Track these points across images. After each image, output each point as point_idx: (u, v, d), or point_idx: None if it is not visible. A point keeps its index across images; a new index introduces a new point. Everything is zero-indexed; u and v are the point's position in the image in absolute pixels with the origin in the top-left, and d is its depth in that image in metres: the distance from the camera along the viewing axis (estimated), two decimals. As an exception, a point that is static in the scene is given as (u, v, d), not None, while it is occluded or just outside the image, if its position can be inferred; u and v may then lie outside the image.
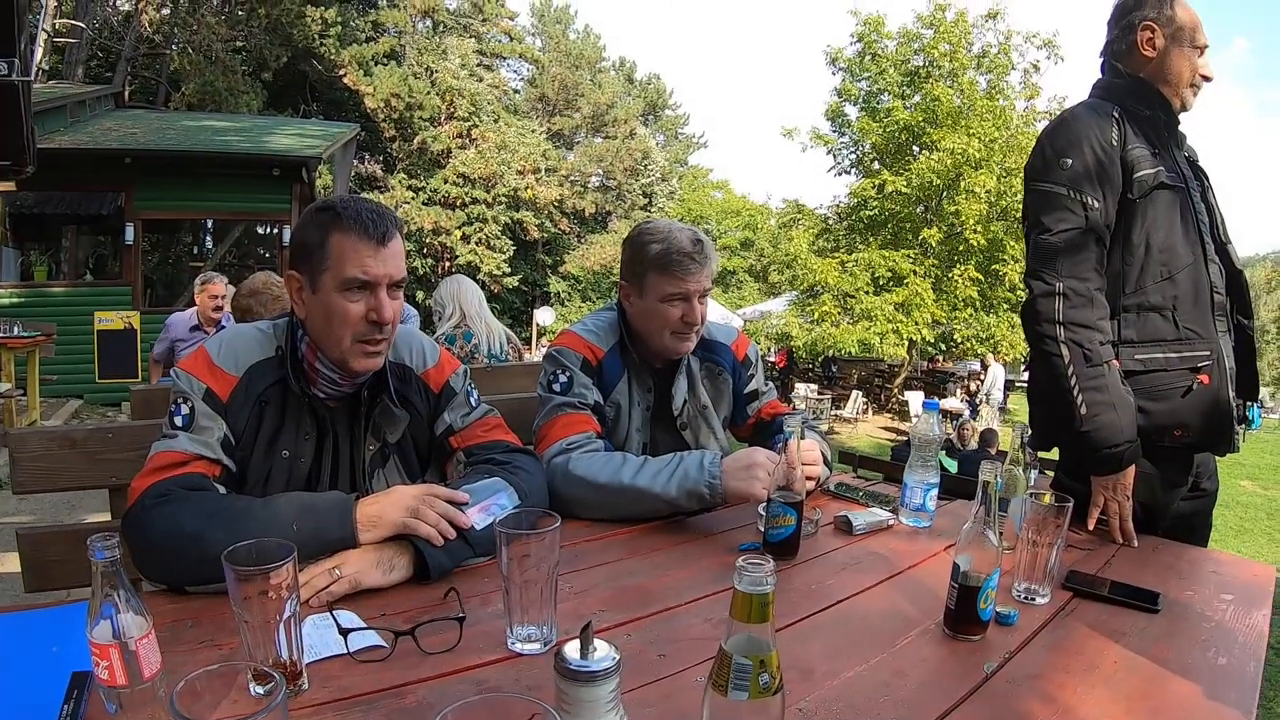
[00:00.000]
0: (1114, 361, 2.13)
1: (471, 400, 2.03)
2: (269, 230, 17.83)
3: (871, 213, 21.79)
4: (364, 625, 1.32)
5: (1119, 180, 2.18)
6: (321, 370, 1.78)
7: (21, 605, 1.46)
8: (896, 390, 23.15)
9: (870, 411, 22.23)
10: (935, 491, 2.11)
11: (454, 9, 38.63)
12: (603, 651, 0.93)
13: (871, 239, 22.04)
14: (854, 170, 23.26)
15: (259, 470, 1.75)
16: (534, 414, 2.31)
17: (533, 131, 37.36)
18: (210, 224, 17.82)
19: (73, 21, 22.69)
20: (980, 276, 20.29)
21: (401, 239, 1.78)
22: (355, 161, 28.81)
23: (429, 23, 37.89)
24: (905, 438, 15.89)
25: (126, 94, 22.58)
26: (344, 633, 1.26)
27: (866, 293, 20.57)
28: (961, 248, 20.39)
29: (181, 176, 13.90)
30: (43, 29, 19.64)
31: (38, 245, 15.81)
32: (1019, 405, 22.30)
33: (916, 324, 20.07)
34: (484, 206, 34.62)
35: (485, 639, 1.34)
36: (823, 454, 2.27)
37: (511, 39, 40.84)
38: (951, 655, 1.38)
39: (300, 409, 1.79)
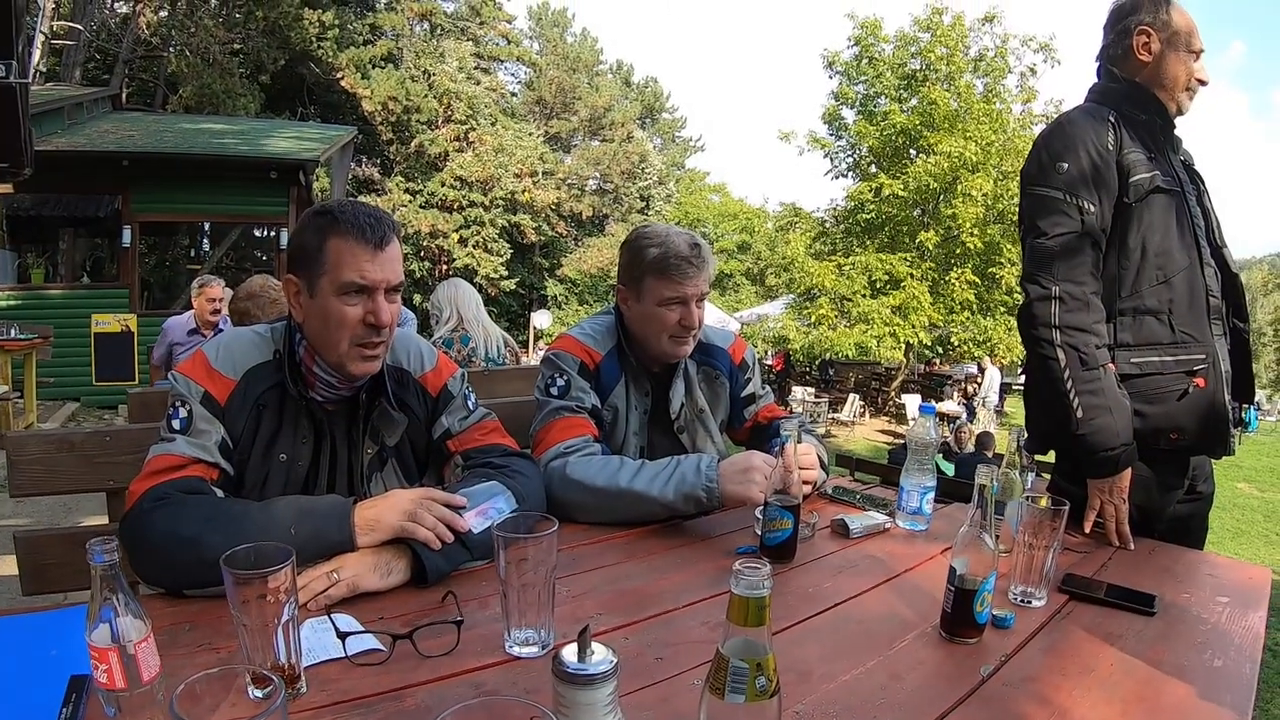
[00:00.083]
0: (1110, 365, 2.14)
1: (469, 404, 2.03)
2: (266, 233, 17.86)
3: (868, 216, 21.82)
4: (362, 629, 1.32)
5: (1115, 184, 2.18)
6: (319, 374, 1.78)
7: (19, 609, 1.46)
8: (893, 393, 23.15)
9: (867, 415, 22.24)
10: (932, 495, 2.11)
11: (451, 12, 38.66)
12: (600, 655, 0.93)
13: (868, 242, 22.07)
14: (851, 173, 23.31)
15: (257, 474, 1.75)
16: (531, 417, 2.31)
17: (530, 134, 37.35)
18: (207, 227, 17.82)
19: (70, 24, 22.67)
20: (977, 279, 20.32)
21: (399, 243, 1.79)
22: (352, 164, 28.77)
23: (426, 26, 37.90)
24: (902, 441, 15.87)
25: (124, 96, 22.60)
26: (342, 636, 1.27)
27: (863, 296, 20.60)
28: (958, 251, 20.43)
29: (179, 179, 13.88)
30: (40, 31, 19.61)
31: (35, 247, 15.78)
32: (1016, 408, 22.31)
33: (913, 327, 20.09)
34: (481, 210, 34.59)
35: (483, 642, 1.34)
36: (819, 457, 2.27)
37: (509, 42, 40.88)
38: (948, 658, 1.39)
39: (298, 412, 1.79)
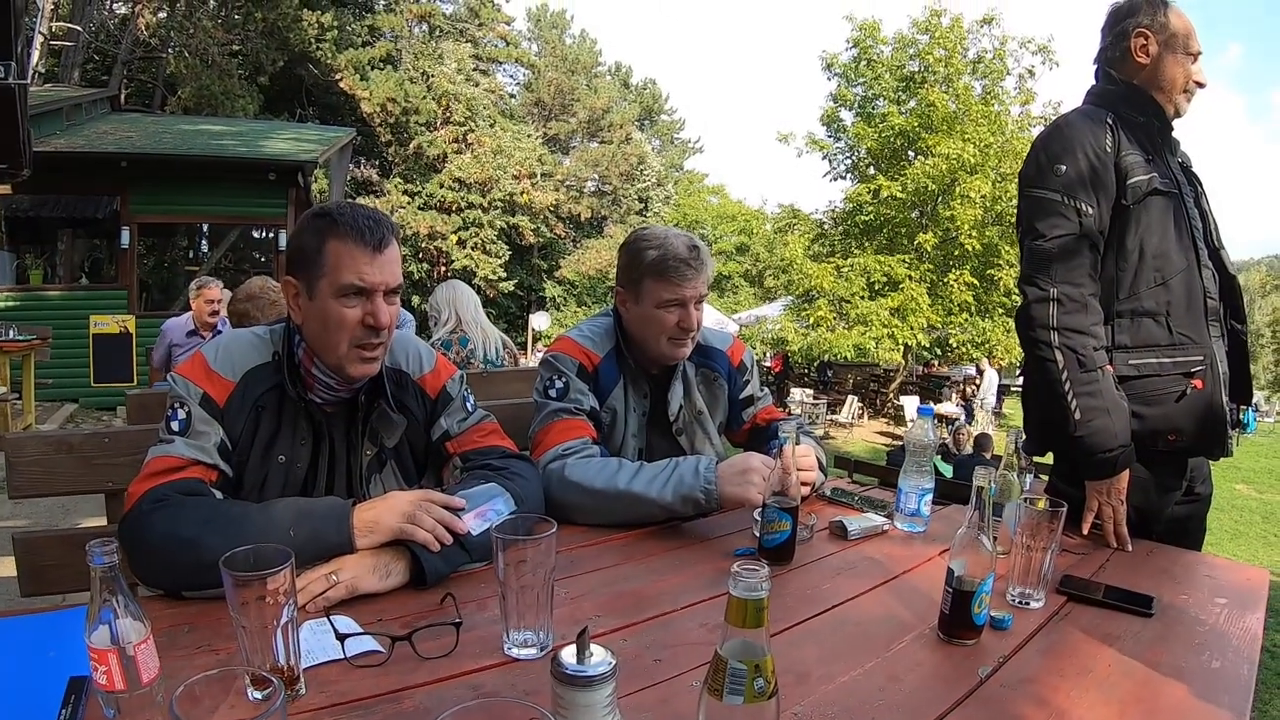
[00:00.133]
0: (1108, 366, 2.14)
1: (468, 405, 2.03)
2: (265, 234, 17.84)
3: (867, 218, 21.82)
4: (361, 630, 1.32)
5: (1113, 186, 2.19)
6: (318, 375, 1.78)
7: (18, 610, 1.46)
8: (892, 395, 23.16)
9: (866, 416, 22.24)
10: (930, 496, 2.11)
11: (450, 14, 38.66)
12: (599, 656, 0.93)
13: (867, 244, 22.08)
14: (849, 175, 23.34)
15: (255, 475, 1.75)
16: (530, 419, 2.31)
17: (529, 136, 37.36)
18: (206, 228, 17.80)
19: (69, 24, 22.66)
20: (975, 281, 20.33)
21: (398, 245, 1.79)
22: (351, 166, 28.77)
23: (425, 27, 37.91)
24: (901, 443, 15.89)
25: (123, 97, 22.57)
26: (341, 638, 1.27)
27: (862, 297, 20.60)
28: (957, 252, 20.43)
29: (177, 180, 13.89)
30: (39, 32, 19.60)
31: (33, 248, 15.76)
32: (1014, 410, 22.33)
33: (912, 329, 20.10)
34: (480, 211, 34.59)
35: (482, 644, 1.34)
36: (818, 459, 2.28)
37: (507, 44, 40.88)
38: (946, 660, 1.39)
39: (297, 414, 1.79)
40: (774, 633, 1.38)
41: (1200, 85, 2.32)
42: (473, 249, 34.46)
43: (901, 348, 20.68)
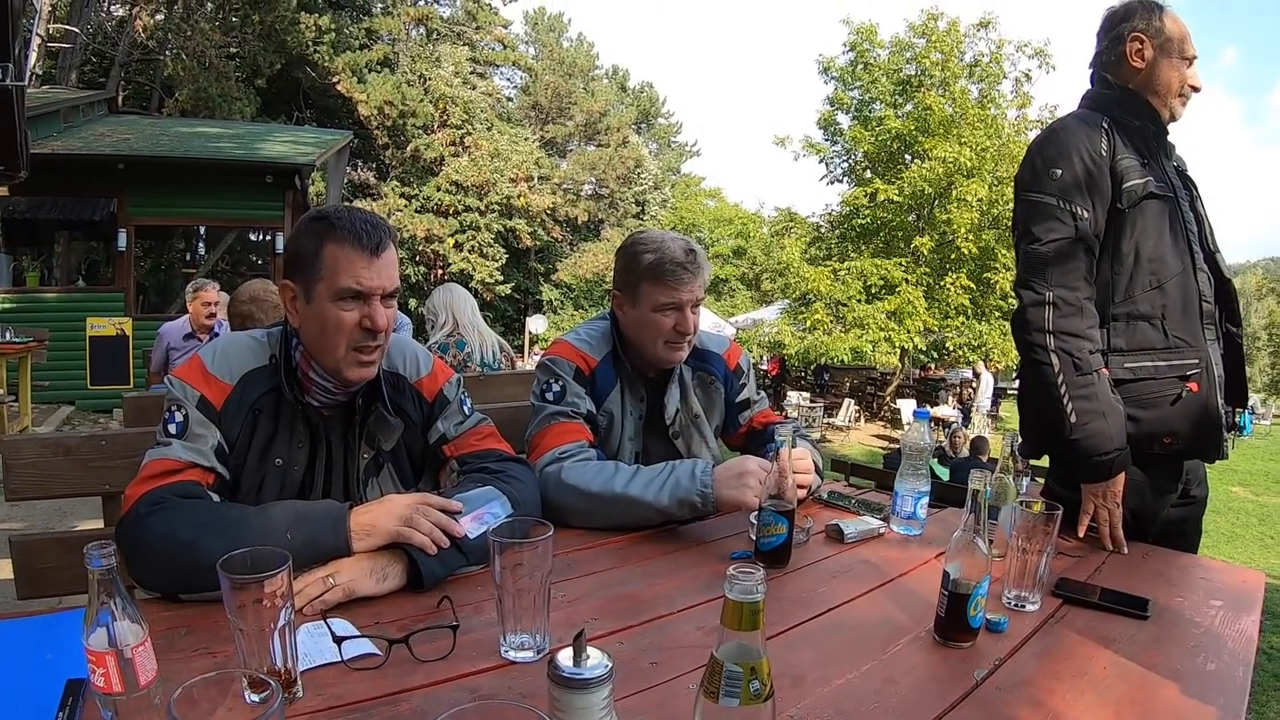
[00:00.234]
0: (1103, 370, 2.14)
1: (465, 409, 2.03)
2: (262, 237, 17.83)
3: (864, 221, 21.83)
4: (358, 633, 1.32)
5: (1108, 190, 2.19)
6: (315, 379, 1.78)
7: (14, 613, 1.46)
8: (889, 398, 23.18)
9: (862, 419, 22.25)
10: (926, 500, 2.12)
11: (448, 17, 38.71)
12: (595, 659, 0.93)
13: (864, 247, 22.10)
14: (846, 179, 23.39)
15: (252, 478, 1.75)
16: (527, 423, 2.31)
17: (526, 139, 37.39)
18: (203, 230, 17.82)
19: (67, 26, 22.63)
20: (972, 284, 20.34)
21: (395, 249, 1.79)
22: (348, 169, 28.78)
23: (423, 30, 37.94)
24: (897, 446, 15.92)
25: (120, 99, 22.56)
26: (338, 641, 1.27)
27: (859, 301, 20.61)
28: (953, 256, 20.44)
29: (174, 183, 13.87)
30: (37, 33, 19.60)
31: (30, 250, 15.77)
32: (1011, 413, 22.35)
33: (908, 332, 20.11)
34: (477, 214, 34.62)
35: (478, 647, 1.34)
36: (814, 462, 2.28)
37: (505, 47, 40.92)
38: (942, 662, 1.39)
39: (294, 417, 1.79)
40: (770, 635, 1.38)
41: (1195, 89, 2.33)
42: (470, 252, 34.48)
43: (898, 351, 20.71)
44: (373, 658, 1.28)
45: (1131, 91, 2.31)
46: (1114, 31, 2.34)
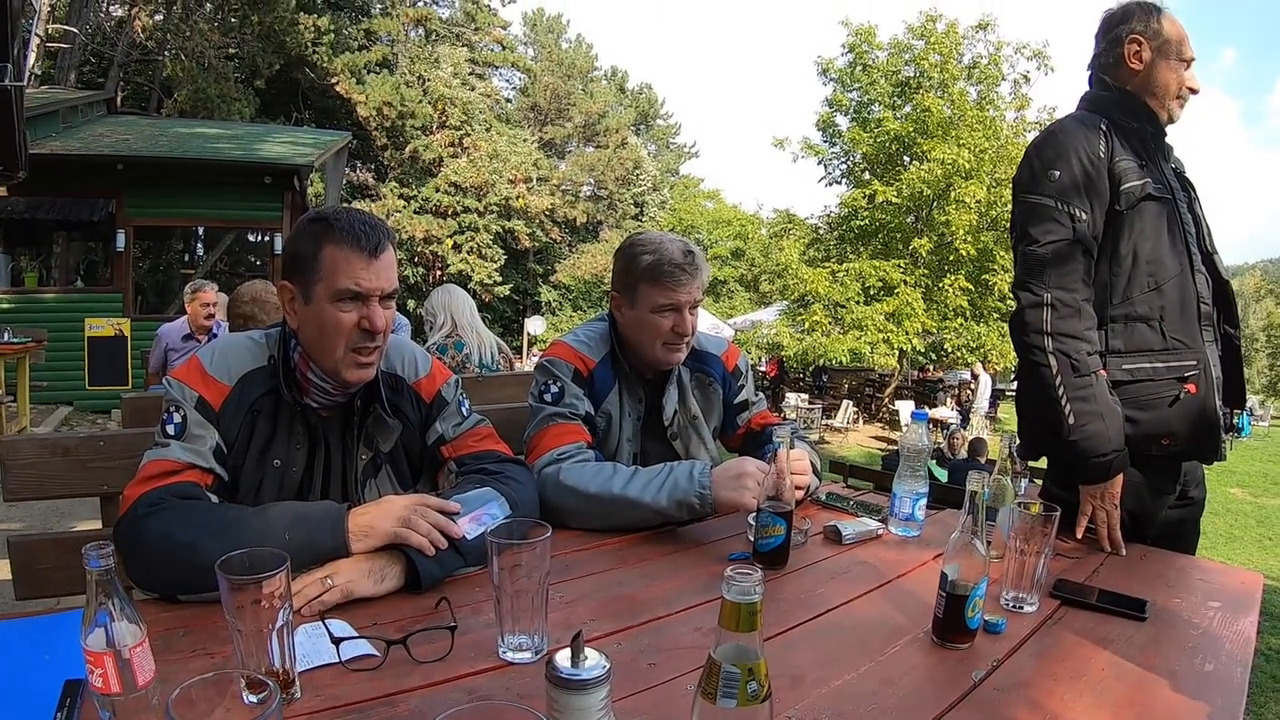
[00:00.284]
0: (1101, 371, 2.15)
1: (463, 410, 2.03)
2: (260, 238, 17.78)
3: (862, 223, 21.86)
4: (356, 634, 1.32)
5: (1106, 192, 2.19)
6: (314, 380, 1.78)
7: (12, 614, 1.46)
8: (887, 400, 23.17)
9: (861, 421, 22.26)
10: (924, 501, 2.12)
11: (446, 18, 38.71)
12: (593, 660, 0.93)
13: (862, 249, 22.11)
14: (845, 180, 23.41)
15: (251, 479, 1.75)
16: (525, 424, 2.31)
17: (524, 140, 37.39)
18: (201, 231, 17.79)
19: (66, 27, 22.63)
20: (970, 286, 20.35)
21: (394, 250, 1.79)
22: (347, 170, 28.78)
23: (421, 31, 37.94)
24: (896, 447, 15.93)
25: (119, 100, 22.53)
26: (336, 642, 1.27)
27: (857, 302, 20.62)
28: (952, 257, 20.45)
29: (173, 183, 13.86)
30: (36, 34, 19.60)
31: (28, 251, 15.73)
32: (1009, 414, 22.36)
33: (907, 334, 20.12)
34: (475, 215, 34.62)
35: (476, 648, 1.34)
36: (812, 464, 2.28)
37: (504, 48, 40.91)
38: (940, 663, 1.39)
39: (292, 418, 1.79)
40: (768, 637, 1.38)
41: (1193, 91, 2.33)
42: (468, 253, 34.47)
43: (896, 352, 20.70)
44: (371, 659, 1.28)
45: (1130, 93, 2.31)
46: (1112, 33, 2.34)
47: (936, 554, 1.94)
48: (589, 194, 41.07)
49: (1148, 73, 2.29)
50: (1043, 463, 2.44)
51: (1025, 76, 21.45)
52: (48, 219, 14.31)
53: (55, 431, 10.48)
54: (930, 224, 20.95)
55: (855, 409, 21.78)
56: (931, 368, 26.67)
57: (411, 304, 29.04)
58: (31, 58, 18.47)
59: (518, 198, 35.22)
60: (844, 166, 23.35)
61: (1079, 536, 2.17)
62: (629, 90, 47.19)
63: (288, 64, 30.88)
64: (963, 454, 11.34)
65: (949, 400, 22.89)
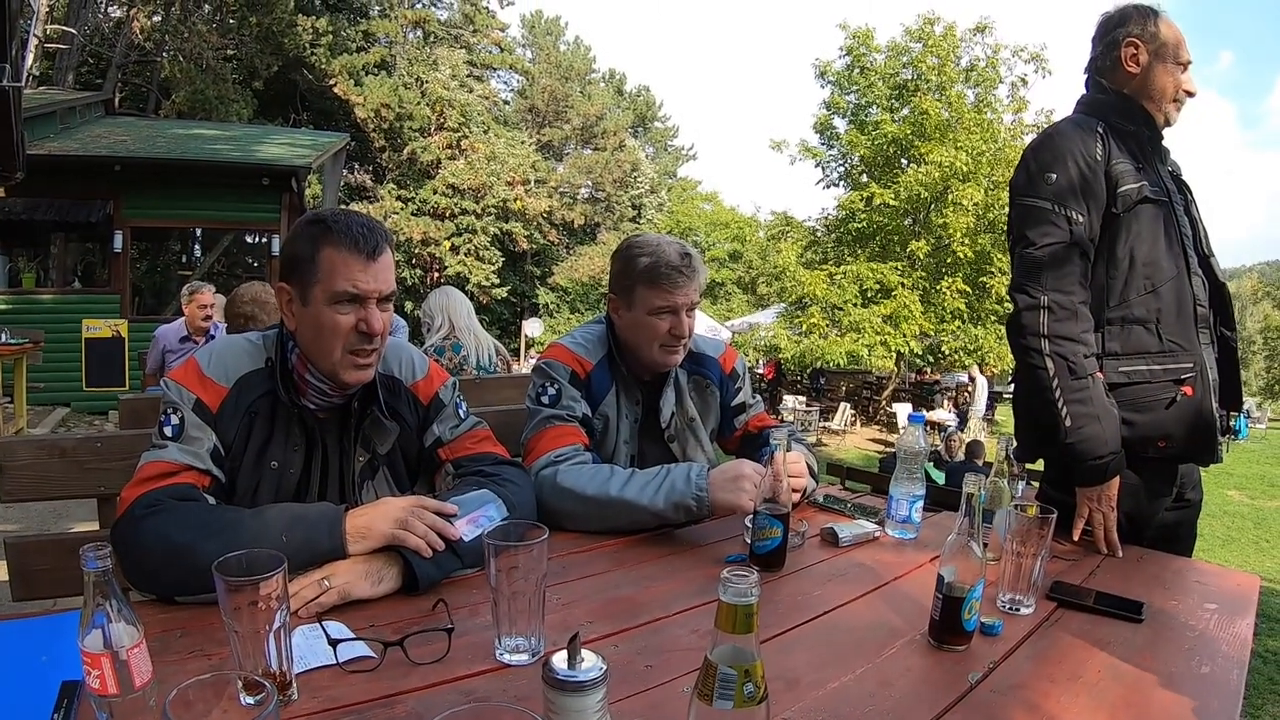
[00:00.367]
0: (1098, 374, 2.15)
1: (460, 412, 2.04)
2: (258, 240, 17.78)
3: (860, 225, 21.86)
4: (353, 636, 1.32)
5: (1103, 195, 2.20)
6: (311, 381, 1.78)
7: (9, 615, 1.46)
8: (884, 402, 23.17)
9: (858, 423, 22.26)
10: (921, 503, 2.12)
11: (445, 20, 38.70)
12: (590, 662, 0.94)
13: (860, 251, 22.12)
14: (842, 183, 23.40)
15: (248, 481, 1.75)
16: (522, 426, 2.31)
17: (522, 143, 37.42)
18: (199, 233, 17.76)
19: (64, 27, 22.63)
20: (968, 289, 20.36)
21: (391, 252, 1.79)
22: (345, 171, 28.79)
23: (420, 33, 37.92)
24: (893, 449, 15.92)
25: (117, 101, 22.51)
26: (333, 643, 1.27)
27: (854, 305, 20.62)
28: (949, 260, 20.47)
29: (171, 185, 13.84)
30: (34, 34, 19.60)
31: (26, 252, 15.72)
32: (1006, 417, 22.36)
33: (904, 336, 20.12)
34: (473, 217, 34.62)
35: (474, 650, 1.34)
36: (809, 466, 2.28)
37: (502, 50, 40.92)
38: (936, 665, 1.40)
39: (290, 420, 1.79)
40: (765, 639, 1.38)
41: (1190, 94, 2.34)
42: (466, 255, 34.47)
43: (894, 355, 20.73)
44: (368, 660, 1.28)
45: (1126, 96, 2.32)
46: (1109, 37, 2.35)
47: (933, 556, 1.94)
48: (587, 196, 41.09)
49: (1145, 76, 2.30)
50: (1040, 465, 2.44)
51: (1023, 79, 21.48)
52: (45, 220, 14.31)
53: (52, 433, 10.46)
54: (928, 226, 20.97)
55: (852, 411, 21.78)
56: (929, 370, 26.67)
57: (409, 306, 29.02)
58: (30, 58, 18.46)
59: (515, 200, 35.23)
60: (841, 169, 23.36)
61: (1076, 539, 2.17)
62: (627, 92, 47.24)
63: (286, 65, 30.87)
64: (960, 456, 11.34)
65: (946, 403, 22.88)
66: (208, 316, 5.79)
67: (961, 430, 17.16)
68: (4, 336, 9.14)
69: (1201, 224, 2.38)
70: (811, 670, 1.34)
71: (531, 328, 33.39)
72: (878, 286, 20.70)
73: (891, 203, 20.41)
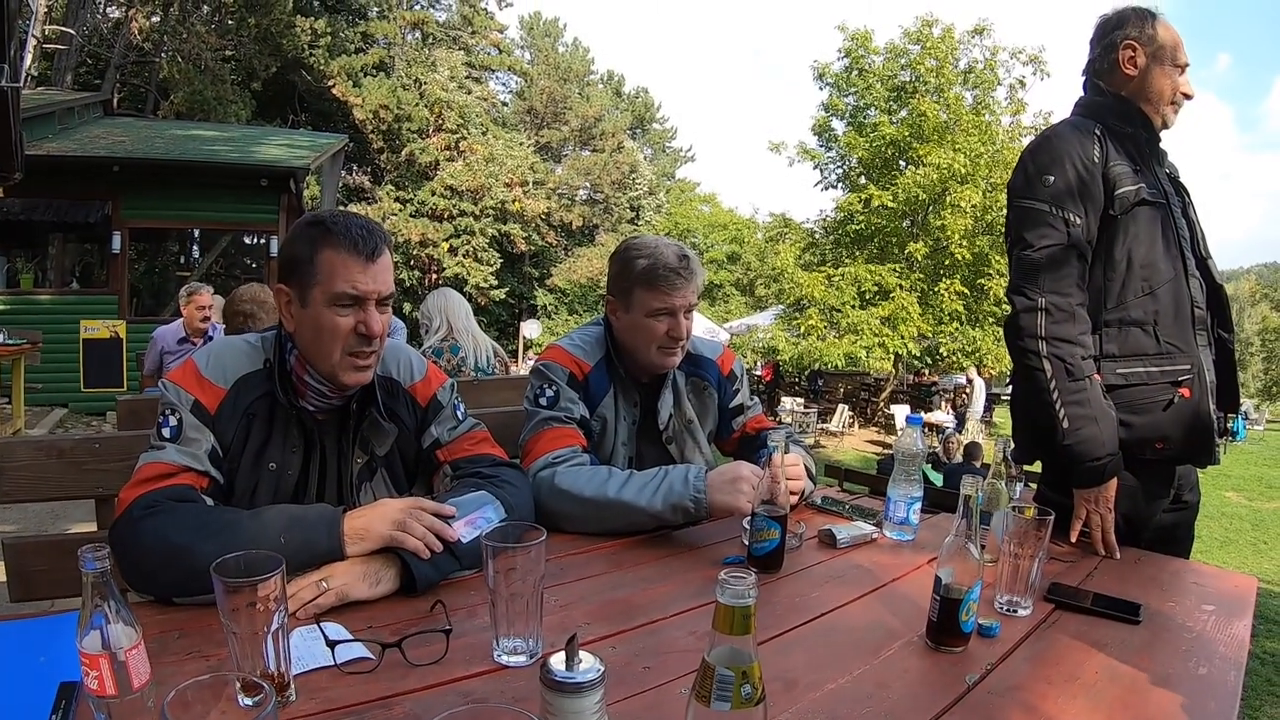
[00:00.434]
0: (1096, 376, 2.15)
1: (458, 414, 2.04)
2: (256, 241, 17.76)
3: (858, 227, 21.89)
4: (351, 637, 1.32)
5: (1100, 197, 2.20)
6: (310, 383, 1.78)
7: (7, 616, 1.46)
8: (882, 404, 23.19)
9: (856, 425, 22.27)
10: (918, 505, 2.12)
11: (443, 21, 38.70)
12: (588, 663, 0.94)
13: (858, 253, 22.14)
14: (840, 185, 23.43)
15: (246, 482, 1.75)
16: (520, 427, 2.31)
17: (521, 144, 37.42)
18: (197, 234, 17.73)
19: (62, 28, 22.62)
20: (966, 290, 20.37)
21: (390, 254, 1.80)
22: (343, 172, 28.77)
23: (418, 35, 37.94)
24: (891, 451, 15.91)
25: (115, 101, 22.47)
26: (331, 645, 1.27)
27: (853, 306, 20.63)
28: (947, 262, 20.48)
29: (169, 186, 13.82)
30: (32, 35, 19.60)
31: (24, 252, 15.71)
32: (1004, 418, 22.37)
33: (902, 338, 20.13)
34: (471, 219, 34.62)
35: (471, 651, 1.34)
36: (807, 468, 2.28)
37: (500, 51, 40.92)
38: (934, 667, 1.40)
39: (288, 421, 1.79)
40: (762, 640, 1.38)
41: (1188, 97, 2.34)
42: (464, 257, 34.47)
43: (892, 357, 20.72)
44: (366, 662, 1.28)
45: (1124, 99, 2.32)
46: (1107, 39, 2.35)
47: (931, 558, 1.94)
48: (585, 198, 41.09)
49: (1142, 78, 2.30)
50: (1037, 467, 2.44)
51: (1021, 81, 21.53)
52: (43, 220, 14.31)
53: (50, 433, 10.45)
54: (926, 228, 20.99)
55: (850, 413, 21.80)
56: (927, 372, 26.68)
57: (407, 307, 29.00)
58: (28, 59, 18.46)
59: (514, 201, 35.22)
60: (840, 171, 23.39)
61: (1073, 540, 2.17)
62: (625, 94, 47.27)
63: (284, 66, 30.89)
64: (958, 458, 11.33)
65: (944, 404, 22.91)
66: (206, 317, 5.79)
67: (959, 432, 17.17)
68: (2, 337, 9.13)
69: (1199, 226, 2.38)
70: (809, 672, 1.34)
71: (530, 329, 33.40)
72: (876, 288, 20.73)
73: (890, 205, 20.43)
